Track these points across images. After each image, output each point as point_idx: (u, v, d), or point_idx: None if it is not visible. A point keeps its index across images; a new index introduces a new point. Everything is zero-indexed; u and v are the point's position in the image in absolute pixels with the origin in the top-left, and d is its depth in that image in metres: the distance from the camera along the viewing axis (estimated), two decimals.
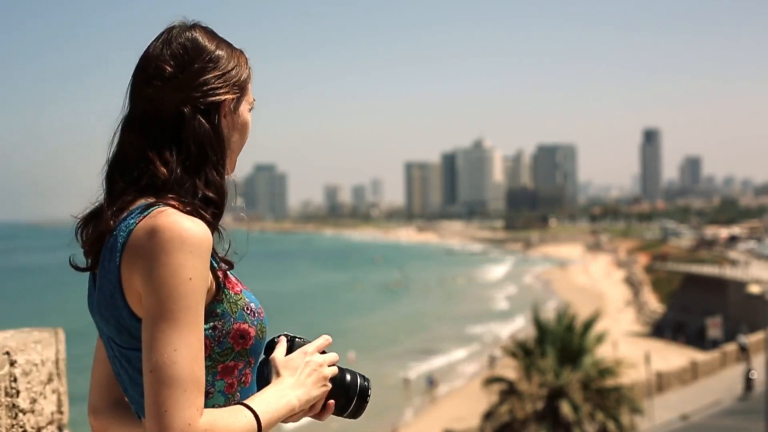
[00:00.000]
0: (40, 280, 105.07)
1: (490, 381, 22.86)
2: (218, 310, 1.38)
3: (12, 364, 2.28)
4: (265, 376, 1.49)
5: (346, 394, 1.53)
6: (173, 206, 1.34)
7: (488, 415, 22.03)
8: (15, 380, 2.28)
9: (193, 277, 1.28)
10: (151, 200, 1.36)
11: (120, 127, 1.45)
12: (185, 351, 1.27)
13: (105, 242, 1.38)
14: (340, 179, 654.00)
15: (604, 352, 25.43)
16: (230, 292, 1.41)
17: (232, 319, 1.39)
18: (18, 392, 2.29)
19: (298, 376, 1.46)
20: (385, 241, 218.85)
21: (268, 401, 1.39)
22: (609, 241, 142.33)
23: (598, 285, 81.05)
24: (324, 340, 1.54)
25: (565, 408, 20.72)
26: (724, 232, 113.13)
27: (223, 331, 1.38)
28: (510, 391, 21.85)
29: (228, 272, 1.43)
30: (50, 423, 2.46)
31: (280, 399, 1.41)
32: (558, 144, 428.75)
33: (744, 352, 36.91)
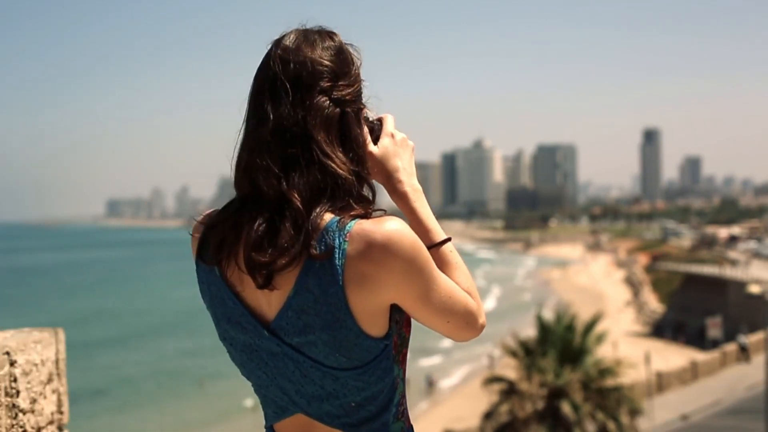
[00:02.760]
0: (40, 280, 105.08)
1: (490, 381, 22.84)
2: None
3: (12, 364, 2.27)
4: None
5: None
6: (361, 215, 1.37)
7: (488, 415, 22.03)
8: (15, 380, 2.28)
9: (426, 254, 1.38)
10: (337, 215, 1.36)
11: (273, 128, 1.39)
12: (454, 290, 1.42)
13: (295, 264, 1.34)
14: None
15: (604, 352, 25.42)
16: None
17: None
18: (18, 392, 2.29)
19: (404, 164, 1.57)
20: None
21: (431, 215, 1.56)
22: (609, 241, 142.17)
23: (598, 285, 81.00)
24: (391, 119, 1.60)
25: (566, 408, 20.73)
26: (724, 232, 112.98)
27: (401, 322, 1.43)
28: (510, 390, 21.85)
29: None
30: (50, 423, 2.45)
31: (423, 200, 1.57)
32: (558, 144, 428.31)
33: (744, 352, 36.95)
